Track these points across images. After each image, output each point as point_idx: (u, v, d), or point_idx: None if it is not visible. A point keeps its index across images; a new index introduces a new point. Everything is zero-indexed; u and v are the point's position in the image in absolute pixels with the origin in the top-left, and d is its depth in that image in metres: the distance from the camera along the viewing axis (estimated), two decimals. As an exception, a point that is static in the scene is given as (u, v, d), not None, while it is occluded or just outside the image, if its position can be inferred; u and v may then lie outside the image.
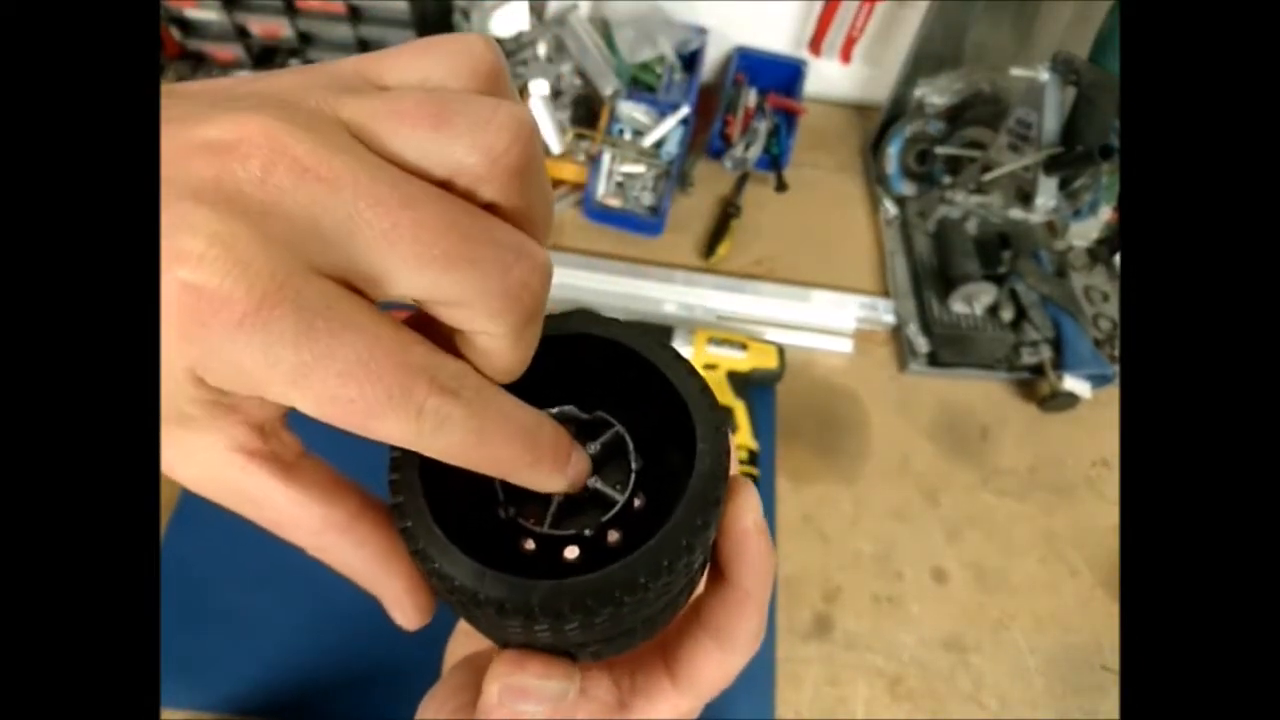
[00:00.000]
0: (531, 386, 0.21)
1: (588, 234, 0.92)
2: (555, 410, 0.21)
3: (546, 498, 0.20)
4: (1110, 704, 0.69)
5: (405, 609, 0.20)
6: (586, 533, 0.20)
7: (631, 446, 0.21)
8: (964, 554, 0.76)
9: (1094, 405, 0.83)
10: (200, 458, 0.18)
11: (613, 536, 0.21)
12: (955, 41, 0.94)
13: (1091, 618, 0.73)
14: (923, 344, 0.87)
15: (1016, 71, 0.84)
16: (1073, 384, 0.82)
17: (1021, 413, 0.85)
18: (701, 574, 0.21)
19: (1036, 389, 0.86)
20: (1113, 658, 0.71)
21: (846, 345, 0.87)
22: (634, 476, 0.21)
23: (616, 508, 0.20)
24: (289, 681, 0.62)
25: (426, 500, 0.18)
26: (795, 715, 0.66)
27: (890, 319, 0.88)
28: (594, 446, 0.21)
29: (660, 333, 0.80)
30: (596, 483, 0.20)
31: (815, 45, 1.03)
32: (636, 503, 0.21)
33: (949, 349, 0.86)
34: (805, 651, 0.69)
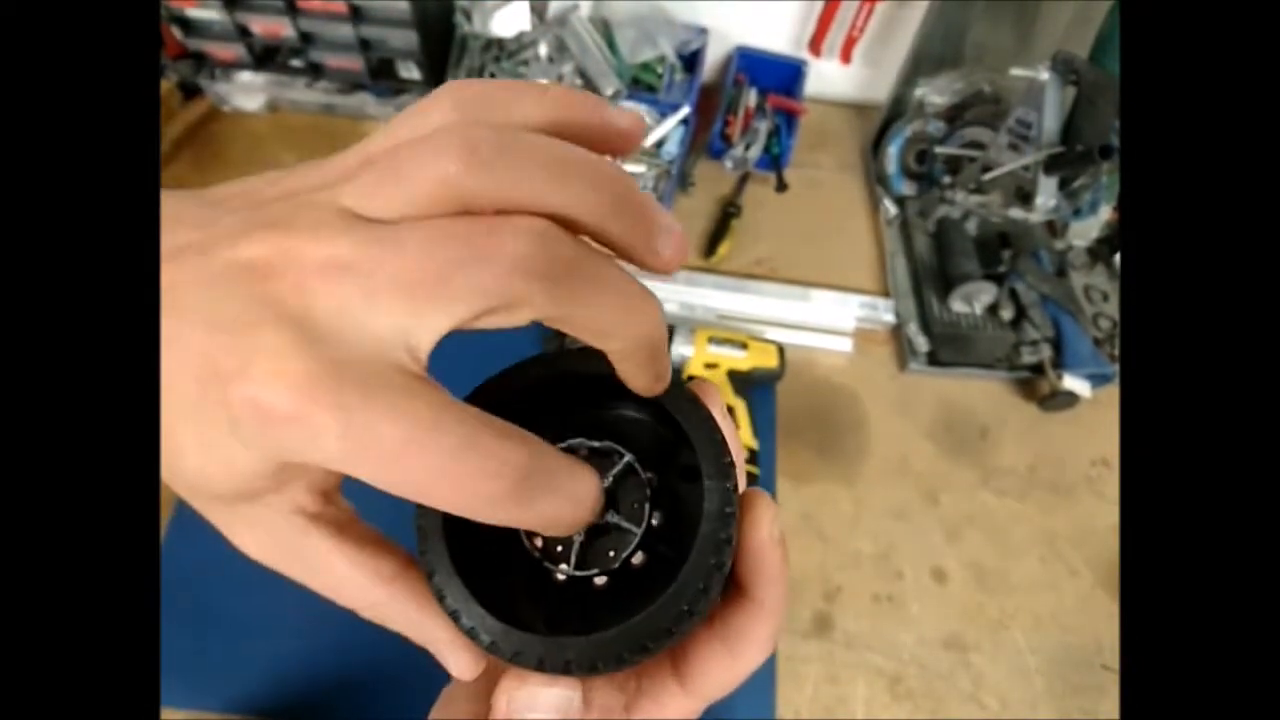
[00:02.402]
0: (535, 422, 0.22)
1: (588, 234, 0.92)
2: (564, 444, 0.22)
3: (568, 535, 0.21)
4: (1110, 704, 0.69)
5: (455, 658, 0.21)
6: (613, 566, 0.21)
7: (642, 472, 0.21)
8: (964, 553, 0.76)
9: (1094, 405, 0.83)
10: (264, 525, 0.19)
11: (637, 558, 0.21)
12: (955, 41, 0.94)
13: (1091, 618, 0.73)
14: (922, 343, 0.87)
15: (1016, 71, 0.84)
16: (1072, 383, 0.82)
17: (1021, 412, 0.85)
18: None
19: (1036, 388, 0.86)
20: (1113, 658, 0.71)
21: (846, 345, 0.87)
22: (648, 503, 0.21)
23: (636, 540, 0.21)
24: (289, 682, 0.62)
25: (453, 560, 0.20)
26: (795, 714, 0.66)
27: (890, 318, 0.88)
28: (608, 479, 0.21)
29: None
30: (615, 517, 0.21)
31: (815, 45, 1.03)
32: (655, 522, 0.22)
33: (949, 348, 0.86)
34: (805, 650, 0.69)
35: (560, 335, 0.79)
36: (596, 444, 0.22)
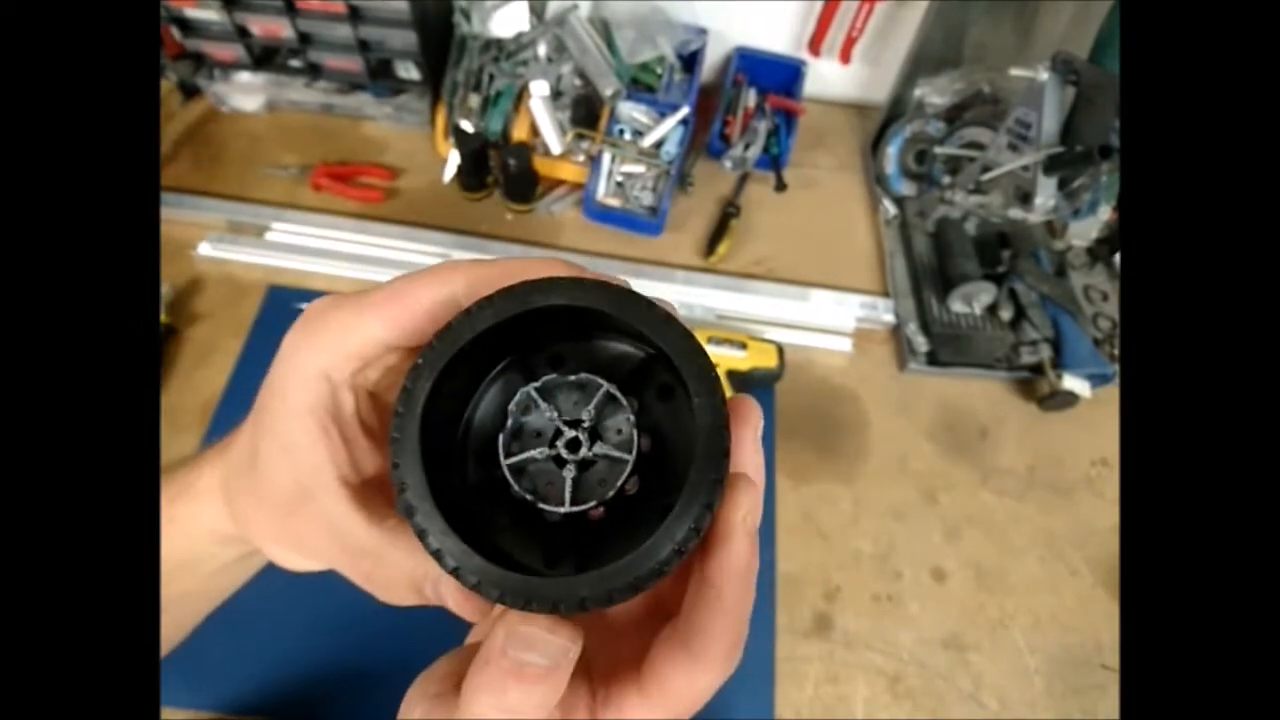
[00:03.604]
0: (503, 358, 0.23)
1: (588, 234, 0.92)
2: (539, 382, 0.22)
3: (557, 471, 0.21)
4: (1110, 704, 0.69)
5: (456, 599, 0.22)
6: (608, 496, 0.21)
7: (623, 398, 0.21)
8: (963, 553, 0.76)
9: (1093, 404, 0.83)
10: (316, 491, 0.23)
11: (631, 484, 0.21)
12: (955, 41, 0.94)
13: (1091, 617, 0.73)
14: (922, 343, 0.87)
15: (1016, 71, 0.84)
16: (1072, 383, 0.82)
17: (1021, 412, 0.85)
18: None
19: (1036, 388, 0.86)
20: (1112, 657, 0.71)
21: (846, 345, 0.87)
22: (634, 428, 0.21)
23: (629, 466, 0.21)
24: (289, 681, 0.62)
25: (443, 513, 0.19)
26: (795, 714, 0.66)
27: (889, 318, 0.88)
28: (589, 411, 0.21)
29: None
30: (604, 448, 0.21)
31: (815, 45, 1.03)
32: (643, 446, 0.21)
33: (948, 348, 0.86)
34: (805, 650, 0.69)
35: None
36: (573, 377, 0.22)
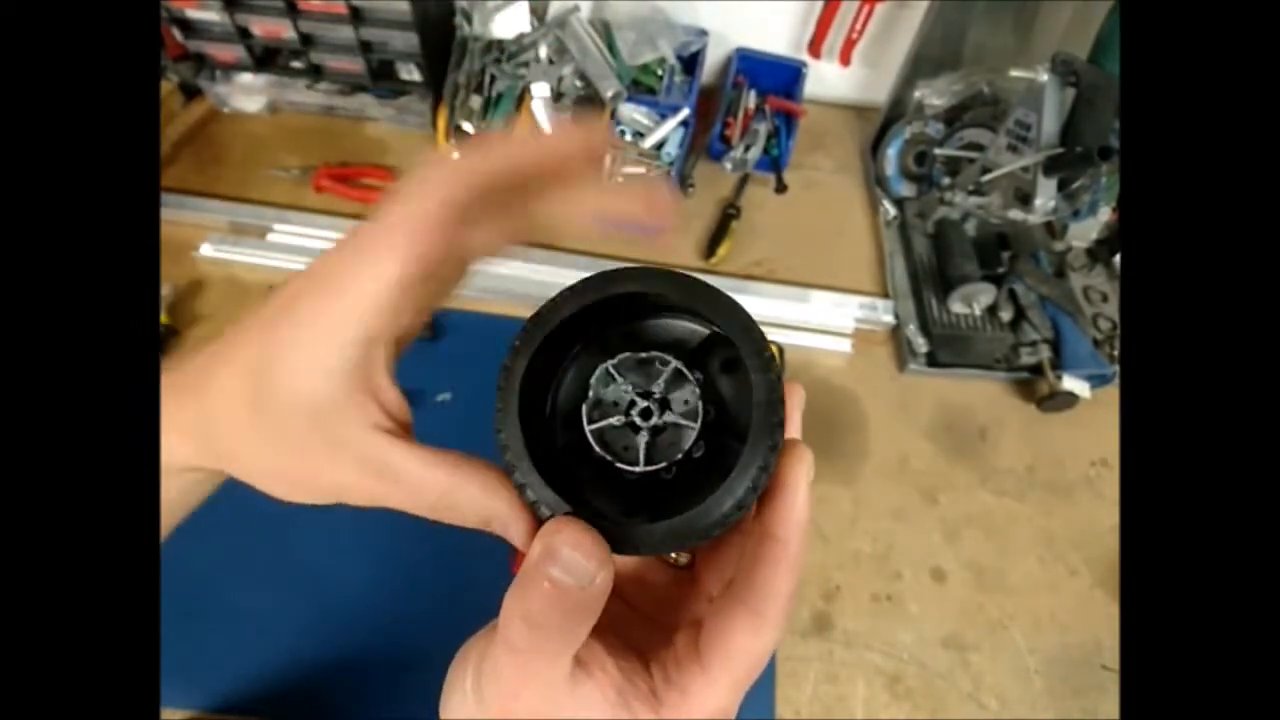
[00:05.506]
0: (589, 342, 0.26)
1: (588, 235, 0.92)
2: (615, 360, 0.24)
3: (633, 437, 0.24)
4: (1110, 704, 0.69)
5: (517, 528, 0.23)
6: (678, 457, 0.24)
7: (689, 373, 0.24)
8: (963, 553, 0.76)
9: (1093, 405, 0.83)
10: (350, 446, 0.22)
11: (698, 450, 0.24)
12: (955, 43, 0.94)
13: (1091, 618, 0.73)
14: (921, 344, 0.87)
15: (1016, 72, 0.84)
16: (1071, 384, 0.82)
17: (1020, 413, 0.85)
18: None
19: (1035, 389, 0.86)
20: (1112, 658, 0.71)
21: (846, 345, 0.87)
22: (700, 400, 0.24)
23: (695, 433, 0.23)
24: (289, 681, 0.62)
25: (542, 474, 0.22)
26: (795, 713, 0.66)
27: (889, 319, 0.89)
28: (659, 384, 0.24)
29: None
30: (673, 417, 0.24)
31: (815, 47, 1.03)
32: (708, 415, 0.24)
33: (948, 349, 0.86)
34: (805, 650, 0.69)
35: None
36: (643, 354, 0.24)
